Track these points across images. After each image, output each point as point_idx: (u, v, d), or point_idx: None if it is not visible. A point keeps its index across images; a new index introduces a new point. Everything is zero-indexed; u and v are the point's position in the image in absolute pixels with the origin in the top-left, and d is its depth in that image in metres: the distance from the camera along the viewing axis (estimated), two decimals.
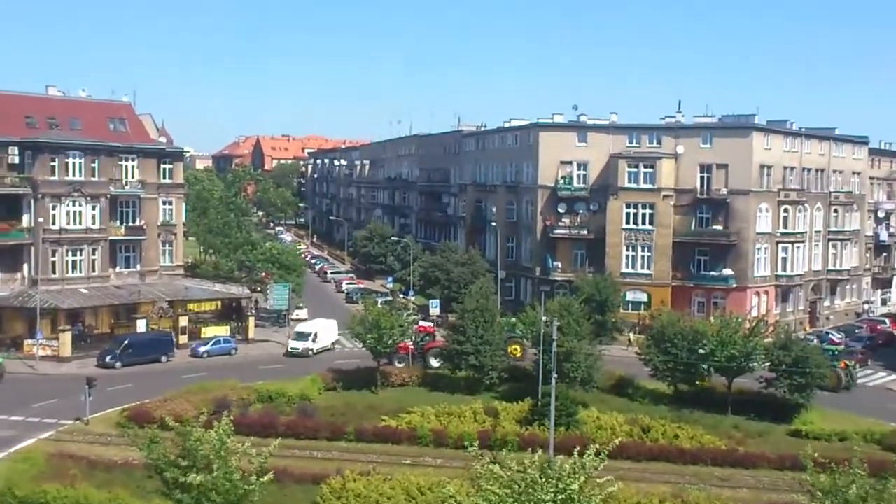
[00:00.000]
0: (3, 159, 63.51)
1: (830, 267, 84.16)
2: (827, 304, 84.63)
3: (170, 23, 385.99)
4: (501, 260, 79.57)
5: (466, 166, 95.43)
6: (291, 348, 64.66)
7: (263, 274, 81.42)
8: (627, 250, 74.93)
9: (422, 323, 65.18)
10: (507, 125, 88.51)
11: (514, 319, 58.86)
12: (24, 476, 34.72)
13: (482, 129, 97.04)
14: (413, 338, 58.73)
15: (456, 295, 68.82)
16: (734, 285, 72.88)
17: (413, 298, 79.56)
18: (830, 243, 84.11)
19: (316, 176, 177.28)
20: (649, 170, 74.34)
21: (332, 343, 66.78)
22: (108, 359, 58.94)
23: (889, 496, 23.64)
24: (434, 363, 58.58)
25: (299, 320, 75.36)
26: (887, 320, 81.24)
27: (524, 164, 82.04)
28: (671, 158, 74.62)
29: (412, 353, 59.11)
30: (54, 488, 32.65)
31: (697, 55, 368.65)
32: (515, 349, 58.72)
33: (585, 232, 76.92)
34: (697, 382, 52.49)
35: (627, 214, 74.68)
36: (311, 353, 63.79)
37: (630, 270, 74.46)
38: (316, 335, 65.24)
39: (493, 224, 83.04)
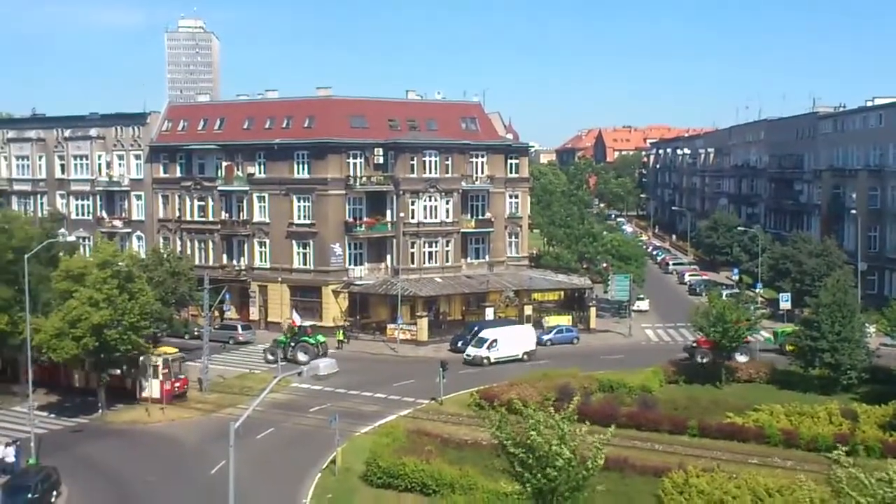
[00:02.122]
0: (370, 160, 70.63)
1: None
2: None
3: (516, 24, 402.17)
4: (862, 251, 72.66)
5: (822, 150, 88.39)
6: (466, 354, 59.97)
7: (604, 265, 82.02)
8: None
9: None
10: (869, 104, 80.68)
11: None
12: (387, 449, 37.91)
13: (841, 109, 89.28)
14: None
15: (809, 288, 64.43)
16: None
17: (761, 291, 75.43)
18: None
19: (658, 166, 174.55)
20: None
21: (524, 353, 60.63)
22: (459, 344, 62.73)
23: None
24: (740, 359, 55.75)
25: (640, 311, 74.71)
26: None
27: (890, 145, 74.20)
28: None
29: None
30: (412, 461, 35.80)
31: None
32: None
33: None
34: None
35: None
36: (485, 361, 58.80)
37: None
38: (495, 342, 59.76)
39: (853, 212, 75.95)
